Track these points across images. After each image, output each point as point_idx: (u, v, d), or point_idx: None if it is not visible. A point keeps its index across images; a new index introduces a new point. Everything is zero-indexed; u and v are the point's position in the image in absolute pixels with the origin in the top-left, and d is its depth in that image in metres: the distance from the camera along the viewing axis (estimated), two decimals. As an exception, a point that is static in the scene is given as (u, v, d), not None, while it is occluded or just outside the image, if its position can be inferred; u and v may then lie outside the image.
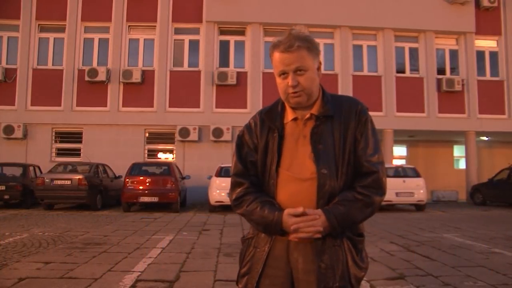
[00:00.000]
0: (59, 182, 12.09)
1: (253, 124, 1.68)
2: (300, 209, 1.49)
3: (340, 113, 1.59)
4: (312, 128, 1.58)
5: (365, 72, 17.58)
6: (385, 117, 16.75)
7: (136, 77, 16.27)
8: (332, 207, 1.51)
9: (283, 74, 1.54)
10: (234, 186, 1.67)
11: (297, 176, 1.56)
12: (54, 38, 17.00)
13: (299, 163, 1.57)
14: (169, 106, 16.63)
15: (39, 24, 16.99)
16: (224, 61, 17.19)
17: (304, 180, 1.55)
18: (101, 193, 12.85)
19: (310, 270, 1.52)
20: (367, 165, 1.57)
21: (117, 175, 14.22)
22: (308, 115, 1.59)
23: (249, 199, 1.60)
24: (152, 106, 16.57)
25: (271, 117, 1.65)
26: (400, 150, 19.71)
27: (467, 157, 17.73)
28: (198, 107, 16.64)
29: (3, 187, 12.44)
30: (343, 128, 1.58)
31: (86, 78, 16.20)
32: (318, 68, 1.59)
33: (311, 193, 1.53)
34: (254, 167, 1.65)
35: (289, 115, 1.63)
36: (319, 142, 1.56)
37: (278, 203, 1.57)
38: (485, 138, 19.34)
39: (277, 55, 1.55)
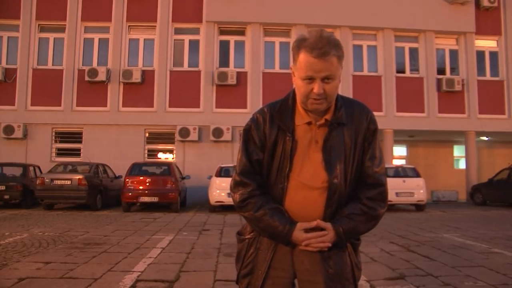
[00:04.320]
0: (59, 182, 12.09)
1: (261, 120, 1.58)
2: (314, 223, 1.49)
3: (352, 120, 1.57)
4: (325, 135, 1.54)
5: (365, 72, 17.58)
6: (385, 117, 16.74)
7: (136, 77, 16.27)
8: (340, 220, 1.52)
9: (310, 79, 1.45)
10: (238, 185, 1.59)
11: (307, 183, 1.53)
12: (54, 38, 17.00)
13: (310, 170, 1.54)
14: (169, 106, 16.63)
15: (39, 24, 16.99)
16: (224, 61, 17.19)
17: (315, 189, 1.53)
18: (101, 193, 12.85)
19: (317, 271, 1.53)
20: (374, 177, 1.57)
21: (117, 175, 14.22)
22: (322, 121, 1.54)
23: (256, 203, 1.55)
24: (152, 106, 16.57)
25: (282, 116, 1.57)
26: (400, 150, 19.72)
27: (467, 157, 17.73)
28: (198, 107, 16.64)
29: (3, 187, 12.43)
30: (354, 135, 1.56)
31: (86, 78, 16.20)
32: (339, 74, 1.53)
33: (320, 201, 1.53)
34: (259, 166, 1.58)
35: (302, 117, 1.56)
36: (331, 150, 1.53)
37: (285, 208, 1.55)
38: (485, 138, 19.34)
39: (306, 58, 1.44)
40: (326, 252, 1.52)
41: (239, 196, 1.58)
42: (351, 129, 1.56)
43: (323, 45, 1.42)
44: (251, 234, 1.63)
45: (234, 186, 1.61)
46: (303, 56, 1.45)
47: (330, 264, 1.52)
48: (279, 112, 1.58)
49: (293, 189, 1.55)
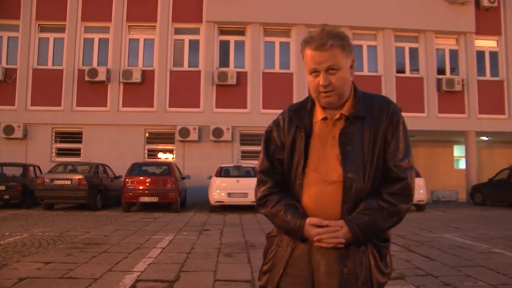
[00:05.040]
0: (59, 182, 12.09)
1: (282, 121, 1.63)
2: (325, 223, 1.47)
3: (371, 114, 1.54)
4: (342, 129, 1.53)
5: (365, 72, 17.57)
6: (385, 117, 16.70)
7: (136, 77, 16.27)
8: (355, 216, 1.47)
9: (315, 72, 1.49)
10: (259, 183, 1.64)
11: (323, 178, 1.52)
12: (54, 38, 17.00)
13: (327, 165, 1.53)
14: (169, 106, 16.63)
15: (39, 24, 16.99)
16: (224, 61, 17.19)
17: (330, 183, 1.51)
18: (101, 193, 12.85)
19: (332, 273, 1.49)
20: (396, 171, 1.51)
21: (117, 175, 14.21)
22: (338, 115, 1.54)
23: (273, 199, 1.57)
24: (152, 106, 16.57)
25: (299, 115, 1.60)
26: (400, 150, 19.67)
27: (467, 157, 17.73)
28: (198, 107, 16.64)
29: (3, 187, 12.43)
30: (374, 129, 1.52)
31: (86, 78, 16.20)
32: (351, 66, 1.54)
33: (337, 196, 1.49)
34: (281, 165, 1.61)
35: (319, 114, 1.57)
36: (348, 144, 1.51)
37: (303, 205, 1.54)
38: (485, 138, 19.34)
39: (308, 52, 1.49)
40: (343, 251, 1.47)
41: (259, 194, 1.62)
42: (371, 123, 1.53)
43: (322, 37, 1.47)
44: (276, 232, 1.64)
45: (257, 185, 1.66)
46: (307, 51, 1.50)
47: (347, 264, 1.47)
48: (297, 111, 1.62)
49: (309, 184, 1.54)
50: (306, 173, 1.55)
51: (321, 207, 1.51)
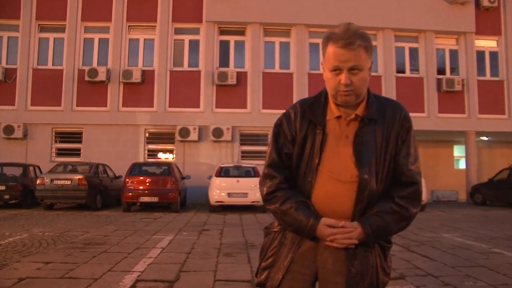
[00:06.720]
0: (59, 182, 12.08)
1: (293, 115, 1.60)
2: (340, 223, 1.47)
3: (384, 117, 1.55)
4: (356, 130, 1.53)
5: (365, 72, 17.54)
6: (385, 117, 16.70)
7: (136, 77, 16.27)
8: (369, 218, 1.48)
9: (336, 70, 1.48)
10: (265, 177, 1.60)
11: (337, 177, 1.51)
12: (54, 38, 17.00)
13: (340, 164, 1.52)
14: (169, 106, 16.63)
15: (39, 24, 16.99)
16: (224, 61, 17.19)
17: (344, 182, 1.51)
18: (101, 193, 12.84)
19: (339, 271, 1.50)
20: (409, 174, 1.55)
21: (117, 175, 14.21)
22: (353, 116, 1.53)
23: (282, 196, 1.54)
24: (152, 106, 16.57)
25: (313, 111, 1.57)
26: (400, 150, 19.67)
27: (467, 157, 17.73)
28: (198, 107, 16.64)
29: (3, 187, 12.43)
30: (386, 132, 1.54)
31: (86, 78, 16.20)
32: (370, 68, 1.54)
33: (350, 196, 1.49)
34: (289, 159, 1.58)
35: (333, 111, 1.56)
36: (362, 145, 1.51)
37: (313, 202, 1.53)
38: (485, 138, 19.34)
39: (333, 49, 1.47)
40: (351, 251, 1.49)
41: (266, 189, 1.59)
42: (383, 126, 1.54)
43: (349, 36, 1.46)
44: (278, 227, 1.62)
45: (262, 179, 1.62)
46: (330, 48, 1.49)
47: (355, 263, 1.49)
48: (311, 107, 1.59)
49: (321, 182, 1.53)
50: (318, 170, 1.54)
51: (332, 205, 1.51)
